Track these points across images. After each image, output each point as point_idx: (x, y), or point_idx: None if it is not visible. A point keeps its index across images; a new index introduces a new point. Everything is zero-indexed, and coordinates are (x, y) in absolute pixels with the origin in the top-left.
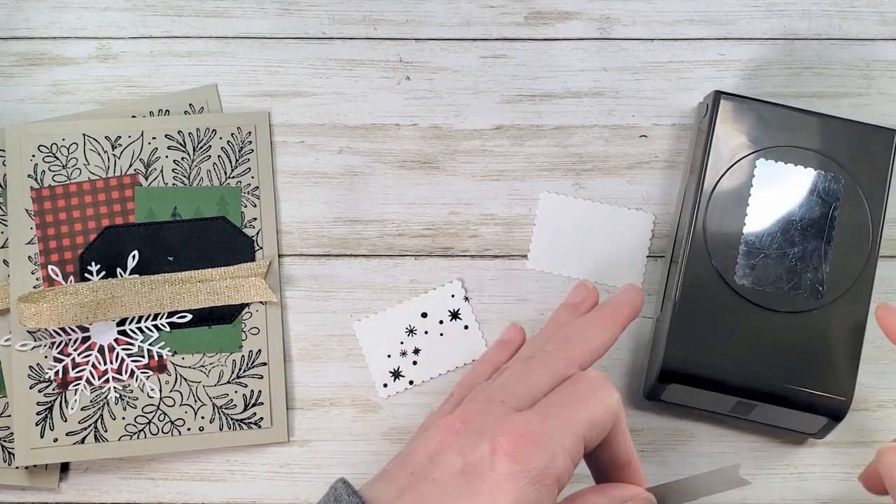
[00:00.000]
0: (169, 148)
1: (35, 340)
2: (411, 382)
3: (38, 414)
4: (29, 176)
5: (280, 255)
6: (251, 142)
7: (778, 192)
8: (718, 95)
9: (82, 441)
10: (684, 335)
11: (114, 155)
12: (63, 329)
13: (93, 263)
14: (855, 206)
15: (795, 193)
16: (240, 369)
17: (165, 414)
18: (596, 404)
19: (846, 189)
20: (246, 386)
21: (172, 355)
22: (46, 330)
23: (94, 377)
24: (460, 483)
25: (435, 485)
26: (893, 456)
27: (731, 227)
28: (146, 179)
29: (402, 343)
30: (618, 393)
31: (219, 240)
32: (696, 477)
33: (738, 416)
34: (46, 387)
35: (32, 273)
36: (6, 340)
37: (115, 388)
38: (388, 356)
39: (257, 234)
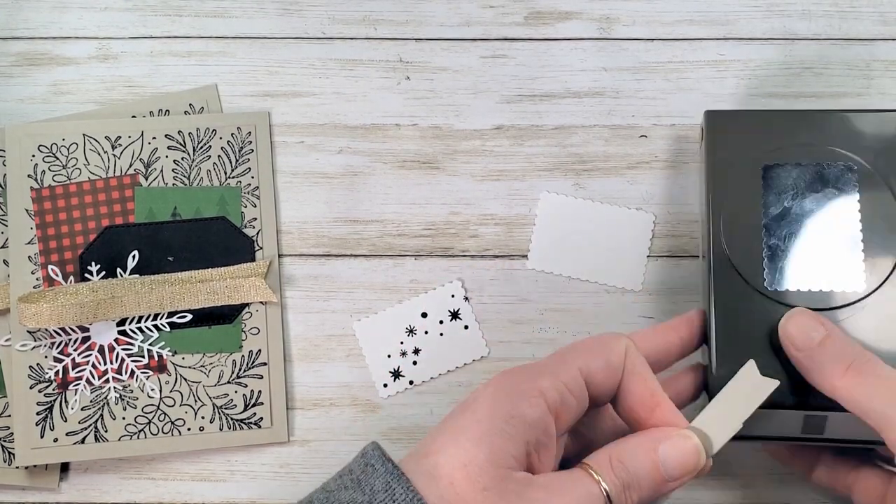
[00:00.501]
0: (169, 148)
1: (35, 340)
2: (411, 382)
3: (38, 414)
4: (29, 176)
5: (280, 255)
6: (251, 142)
7: (792, 194)
8: (711, 115)
9: (82, 441)
10: (728, 353)
11: (114, 155)
12: (63, 329)
13: (93, 263)
14: (876, 192)
15: (811, 191)
16: (240, 369)
17: (165, 414)
18: (596, 344)
19: (862, 176)
20: (246, 386)
21: (172, 355)
22: (46, 330)
23: (94, 377)
24: (456, 411)
25: (441, 422)
26: (791, 319)
27: (752, 238)
28: (146, 179)
29: (402, 343)
30: (628, 340)
31: (219, 240)
32: (722, 397)
33: (812, 435)
34: (46, 387)
35: (32, 273)
36: (6, 340)
37: (115, 388)
38: (388, 356)
39: (257, 234)
